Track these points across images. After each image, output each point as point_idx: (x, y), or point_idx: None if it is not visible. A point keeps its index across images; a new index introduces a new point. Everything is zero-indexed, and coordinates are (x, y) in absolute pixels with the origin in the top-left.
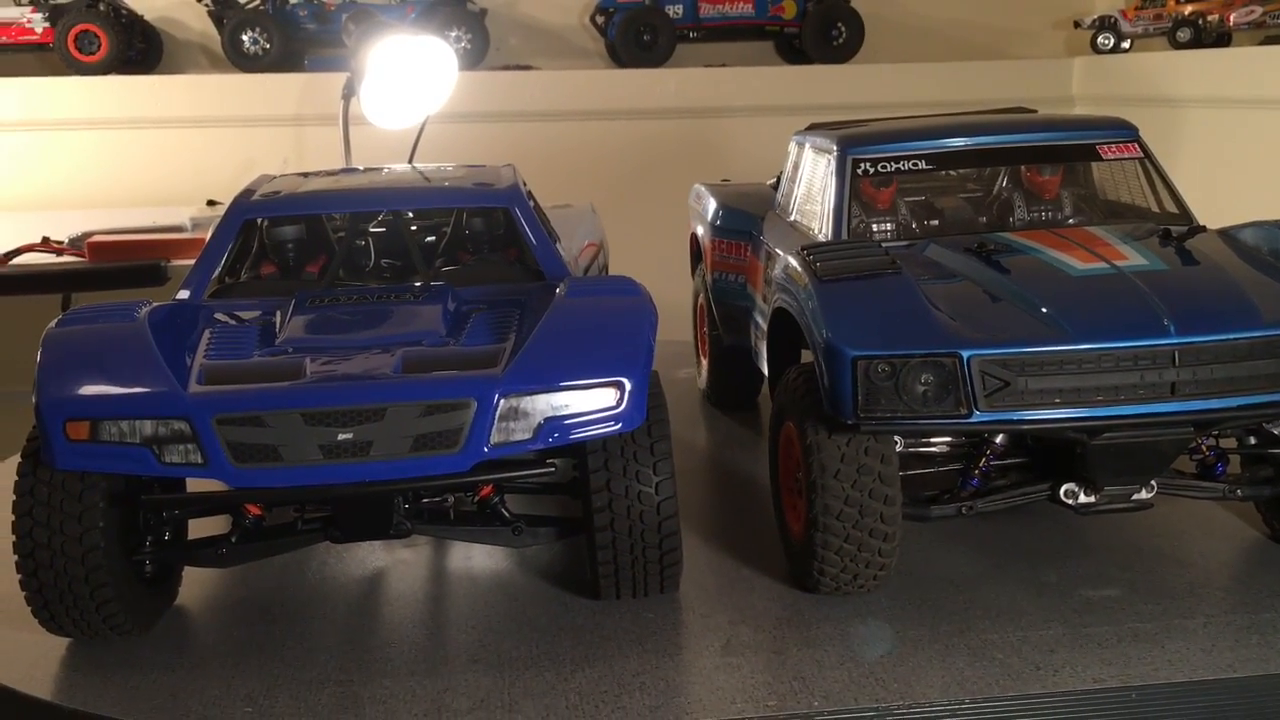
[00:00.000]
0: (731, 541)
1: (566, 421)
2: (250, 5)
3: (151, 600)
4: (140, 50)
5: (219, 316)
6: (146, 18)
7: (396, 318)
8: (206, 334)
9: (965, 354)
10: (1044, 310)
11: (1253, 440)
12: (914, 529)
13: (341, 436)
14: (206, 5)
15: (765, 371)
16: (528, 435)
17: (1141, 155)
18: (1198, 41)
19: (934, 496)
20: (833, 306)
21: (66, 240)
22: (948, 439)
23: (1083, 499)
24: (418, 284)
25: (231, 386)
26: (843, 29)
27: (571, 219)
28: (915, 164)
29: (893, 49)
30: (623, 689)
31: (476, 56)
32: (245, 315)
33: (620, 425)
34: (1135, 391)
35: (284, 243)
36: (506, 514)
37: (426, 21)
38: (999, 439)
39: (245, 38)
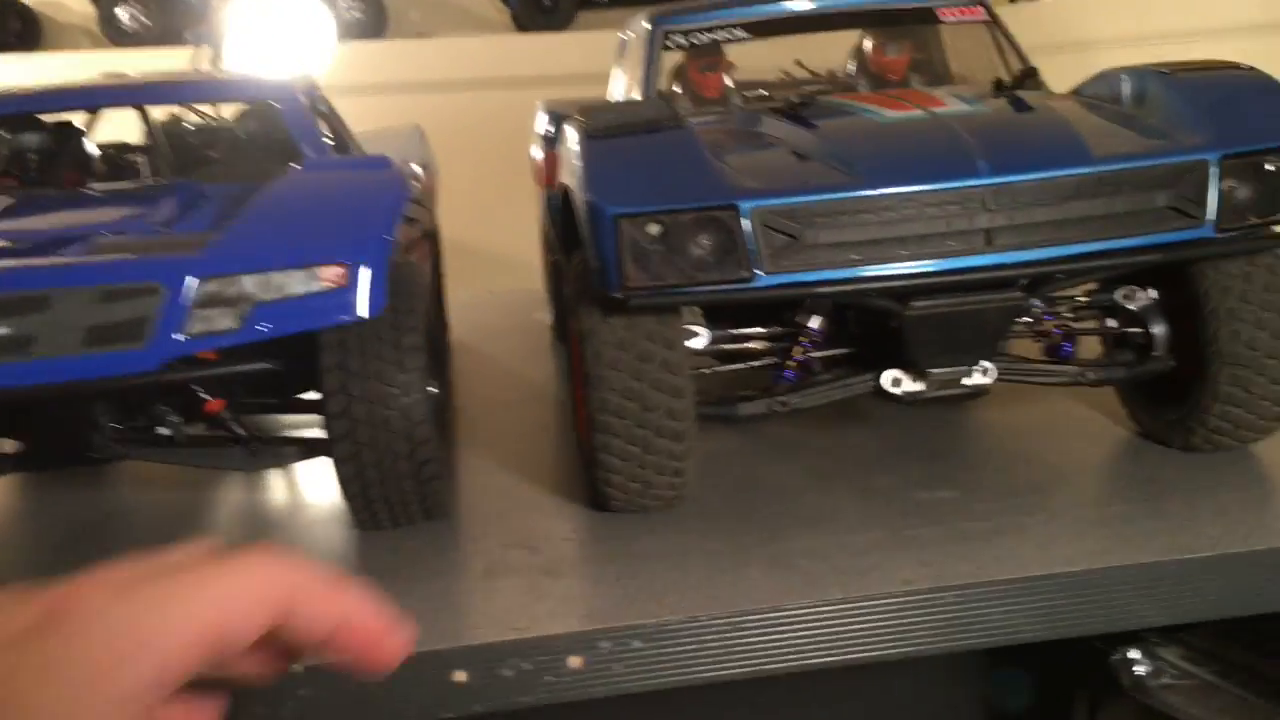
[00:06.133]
0: (538, 468)
1: (281, 308)
2: None
3: None
4: (16, 33)
5: None
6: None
7: (110, 209)
8: None
9: (744, 205)
10: (843, 160)
11: (1112, 322)
12: (746, 441)
13: None
14: None
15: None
16: (232, 324)
17: (988, 18)
18: None
19: (745, 395)
20: (598, 164)
21: None
22: (762, 331)
23: (908, 386)
24: (156, 181)
25: None
26: None
27: (387, 140)
28: (732, 33)
29: None
30: None
31: (372, 28)
32: None
33: (349, 313)
34: (944, 242)
35: (23, 152)
36: (239, 432)
37: None
38: (815, 324)
39: (123, 13)
